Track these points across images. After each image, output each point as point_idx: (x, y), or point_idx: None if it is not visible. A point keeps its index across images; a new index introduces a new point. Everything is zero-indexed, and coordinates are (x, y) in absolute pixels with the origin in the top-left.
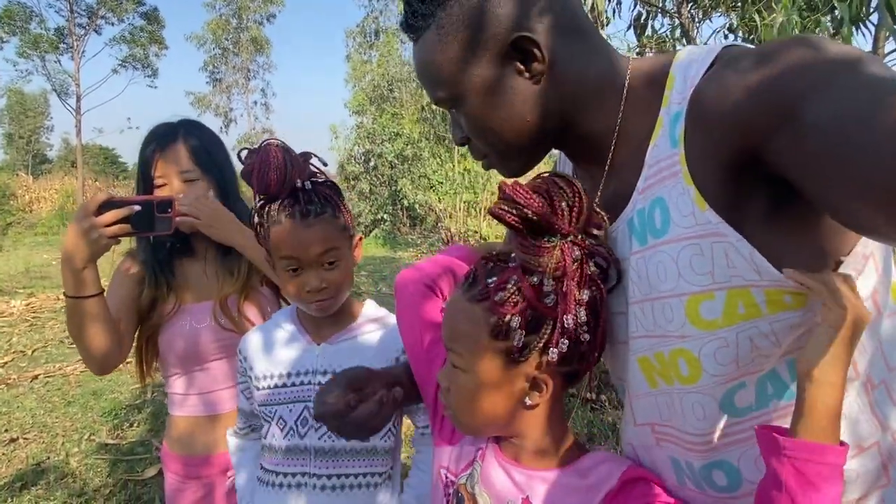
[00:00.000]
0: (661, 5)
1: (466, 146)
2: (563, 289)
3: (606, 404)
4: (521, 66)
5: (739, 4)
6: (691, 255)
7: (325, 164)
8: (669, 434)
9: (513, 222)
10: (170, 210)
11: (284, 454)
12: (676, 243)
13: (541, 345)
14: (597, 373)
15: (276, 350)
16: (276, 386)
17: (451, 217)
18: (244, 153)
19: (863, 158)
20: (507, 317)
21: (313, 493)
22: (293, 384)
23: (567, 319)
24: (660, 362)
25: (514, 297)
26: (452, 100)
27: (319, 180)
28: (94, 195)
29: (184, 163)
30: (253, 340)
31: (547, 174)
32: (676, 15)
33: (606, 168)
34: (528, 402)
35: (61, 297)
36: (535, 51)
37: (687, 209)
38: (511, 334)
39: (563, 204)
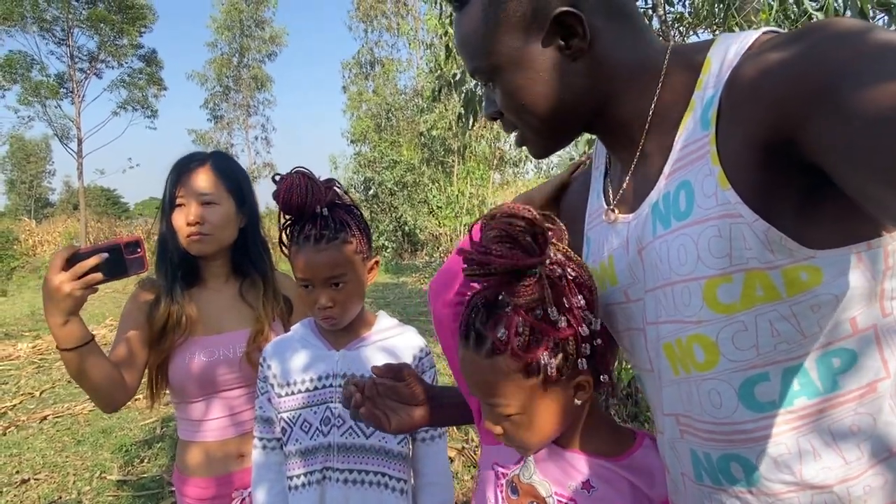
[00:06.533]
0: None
1: (498, 120)
2: (567, 306)
3: (617, 418)
4: (562, 42)
5: (722, 20)
6: (710, 237)
7: (345, 192)
8: (689, 425)
9: (492, 279)
10: (139, 250)
11: (310, 454)
12: (699, 225)
13: (570, 362)
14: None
15: (298, 358)
16: (299, 391)
17: (452, 241)
18: (277, 177)
19: (887, 140)
20: (537, 357)
21: (336, 485)
22: (315, 388)
23: (582, 330)
24: (679, 348)
25: (532, 337)
26: (489, 72)
27: (340, 203)
28: (57, 251)
29: (205, 185)
30: (276, 350)
31: (500, 212)
32: (662, 34)
33: (637, 154)
34: (578, 402)
35: None
36: (578, 27)
37: (711, 189)
38: (545, 368)
39: (528, 238)
